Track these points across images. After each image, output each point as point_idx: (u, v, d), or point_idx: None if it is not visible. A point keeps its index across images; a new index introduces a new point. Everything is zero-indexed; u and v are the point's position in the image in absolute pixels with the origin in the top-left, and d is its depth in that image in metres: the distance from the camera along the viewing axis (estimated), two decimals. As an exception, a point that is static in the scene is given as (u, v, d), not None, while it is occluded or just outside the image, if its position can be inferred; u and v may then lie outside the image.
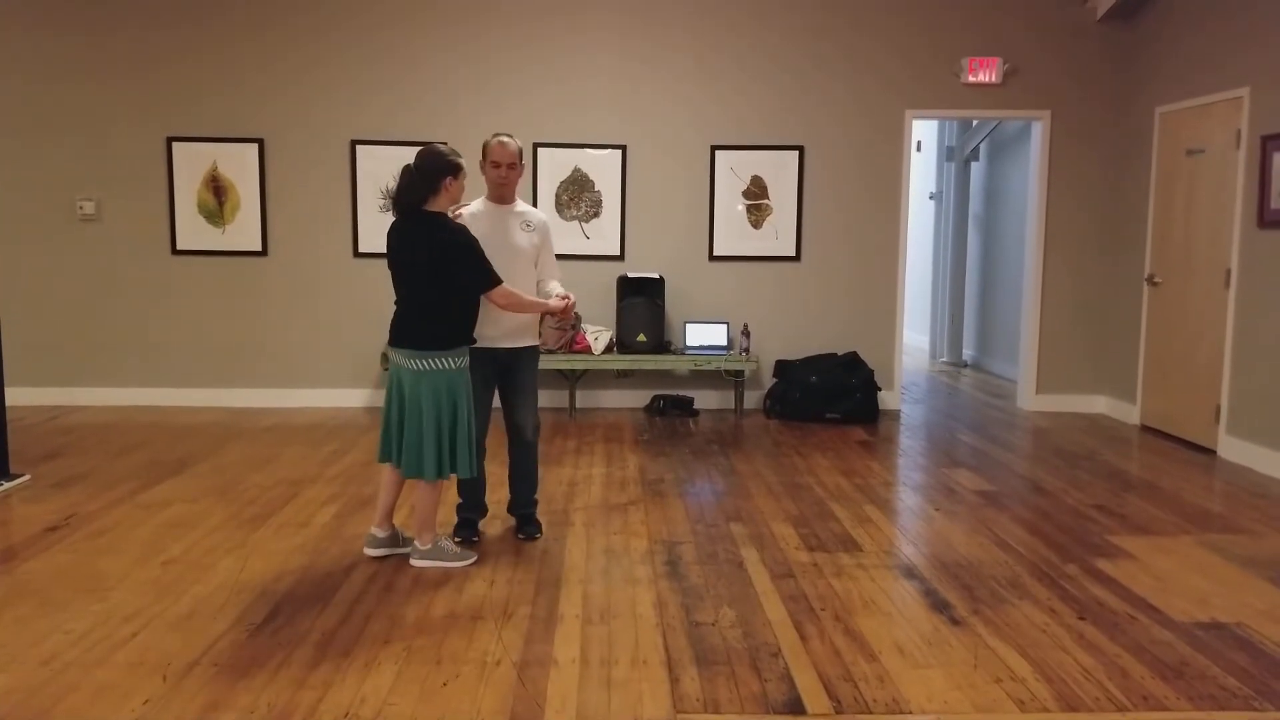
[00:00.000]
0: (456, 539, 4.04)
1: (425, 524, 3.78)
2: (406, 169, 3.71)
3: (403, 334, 3.72)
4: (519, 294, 3.81)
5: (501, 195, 4.03)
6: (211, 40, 6.89)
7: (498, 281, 3.71)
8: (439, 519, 3.90)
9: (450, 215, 3.85)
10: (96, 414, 6.72)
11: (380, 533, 3.89)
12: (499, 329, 3.96)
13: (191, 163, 6.94)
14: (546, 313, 4.03)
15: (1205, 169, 6.13)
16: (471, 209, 3.99)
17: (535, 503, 4.28)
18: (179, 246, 7.00)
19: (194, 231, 7.00)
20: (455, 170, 3.71)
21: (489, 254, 3.75)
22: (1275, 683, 2.90)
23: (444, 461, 3.70)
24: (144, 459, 5.46)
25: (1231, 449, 5.81)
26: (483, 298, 3.76)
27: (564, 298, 3.99)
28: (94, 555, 3.87)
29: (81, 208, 6.93)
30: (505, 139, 3.99)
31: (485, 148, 4.00)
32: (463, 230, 3.73)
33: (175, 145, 6.92)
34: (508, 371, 4.06)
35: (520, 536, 4.18)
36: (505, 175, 3.98)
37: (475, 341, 3.81)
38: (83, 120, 6.90)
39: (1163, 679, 2.92)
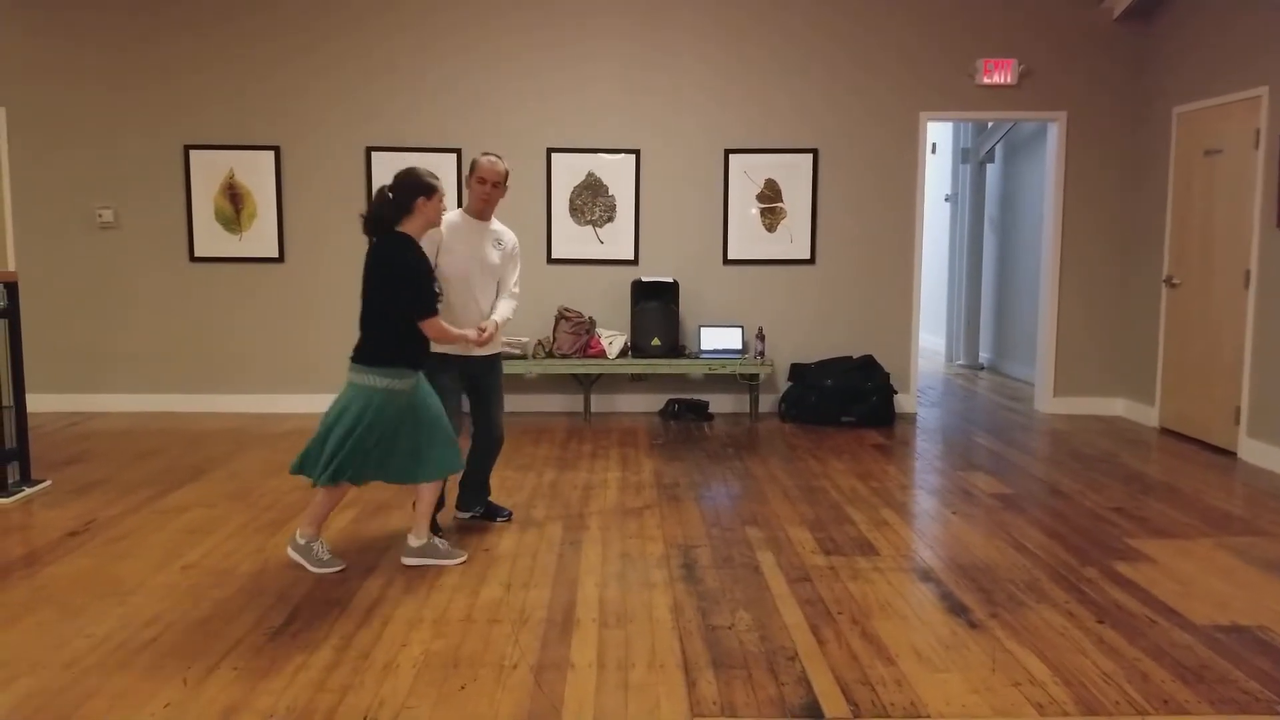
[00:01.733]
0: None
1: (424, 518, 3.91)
2: (381, 190, 3.73)
3: (355, 349, 3.79)
4: (445, 328, 3.82)
5: (481, 212, 4.17)
6: (228, 48, 6.95)
7: (430, 313, 3.73)
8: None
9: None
10: (116, 420, 6.78)
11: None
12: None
13: (208, 170, 7.00)
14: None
15: (1223, 169, 6.09)
16: (449, 219, 4.06)
17: (488, 494, 4.57)
18: (197, 253, 7.06)
19: (211, 238, 7.05)
20: (429, 191, 3.71)
21: (460, 265, 3.99)
22: (1298, 686, 2.88)
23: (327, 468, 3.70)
24: (162, 465, 5.50)
25: (1252, 451, 5.76)
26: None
27: (480, 329, 4.03)
28: (114, 560, 3.91)
29: (100, 215, 7.00)
30: (495, 159, 4.14)
31: (474, 164, 4.13)
32: (418, 258, 3.72)
33: (192, 153, 6.98)
34: (481, 378, 4.26)
35: (501, 519, 4.47)
36: (489, 193, 4.12)
37: (418, 368, 3.80)
38: (101, 128, 6.97)
39: (1183, 682, 2.90)
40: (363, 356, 3.76)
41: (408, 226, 3.72)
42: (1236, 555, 4.06)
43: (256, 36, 6.95)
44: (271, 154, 7.00)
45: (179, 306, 7.10)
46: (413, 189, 3.69)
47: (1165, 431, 6.65)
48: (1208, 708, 2.75)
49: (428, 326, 3.75)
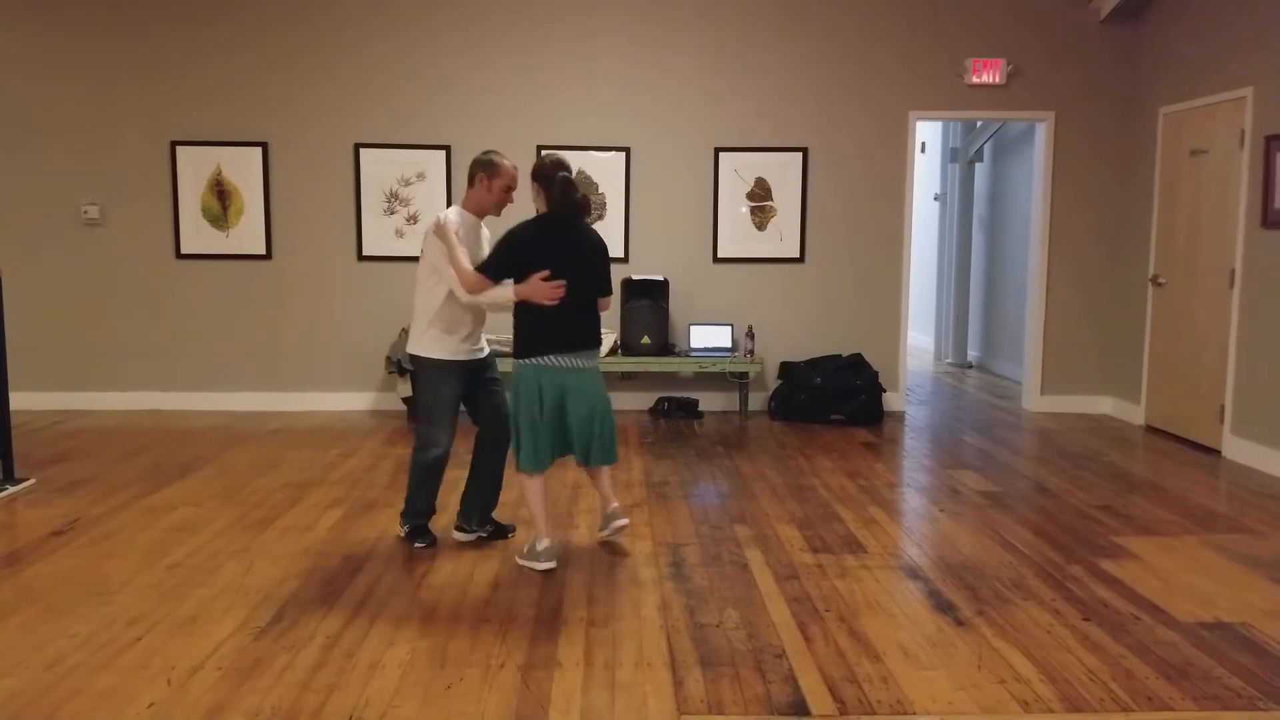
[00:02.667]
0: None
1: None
2: (568, 177, 3.82)
3: (593, 336, 3.93)
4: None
5: (493, 214, 4.09)
6: (215, 44, 6.91)
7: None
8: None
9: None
10: (101, 418, 6.74)
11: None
12: (478, 340, 4.12)
13: (195, 167, 6.97)
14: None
15: (1209, 169, 6.12)
16: (453, 218, 3.93)
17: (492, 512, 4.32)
18: (183, 250, 7.03)
19: (198, 235, 7.02)
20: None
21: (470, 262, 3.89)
22: (1278, 681, 2.90)
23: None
24: (149, 463, 5.48)
25: (1236, 449, 5.80)
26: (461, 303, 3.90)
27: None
28: (99, 559, 3.89)
29: (86, 212, 6.96)
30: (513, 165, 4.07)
31: (500, 169, 3.96)
32: None
33: (179, 149, 6.95)
34: (482, 373, 4.18)
35: (512, 534, 4.27)
36: (510, 200, 4.07)
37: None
38: (87, 124, 6.93)
39: (1167, 679, 2.91)
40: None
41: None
42: (1220, 552, 4.09)
43: (244, 32, 6.91)
44: (259, 150, 6.97)
45: (166, 304, 7.07)
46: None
47: (1151, 429, 6.68)
48: (1191, 704, 2.76)
49: (605, 304, 3.97)
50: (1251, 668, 2.99)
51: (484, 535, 4.19)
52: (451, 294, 3.88)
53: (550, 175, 3.82)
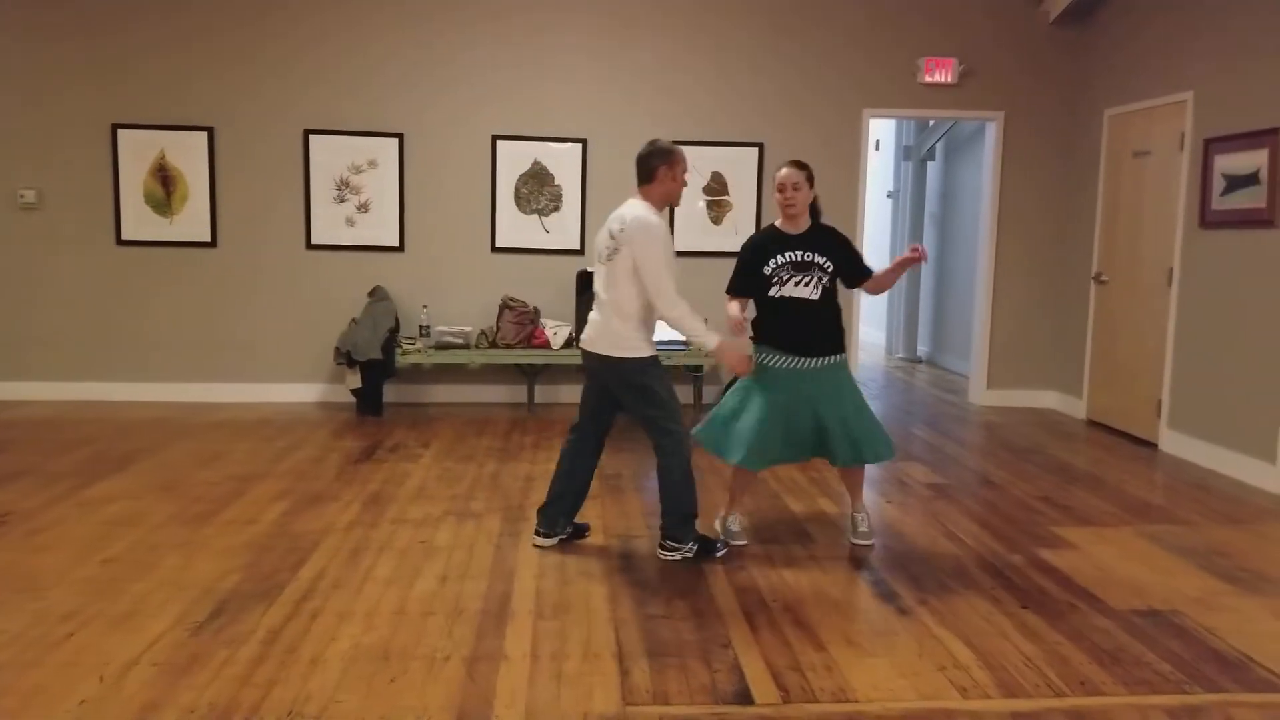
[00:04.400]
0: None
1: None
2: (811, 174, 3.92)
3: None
4: None
5: (676, 205, 4.06)
6: (160, 25, 6.75)
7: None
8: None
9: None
10: (38, 409, 6.56)
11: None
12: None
13: (138, 151, 6.80)
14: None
15: (1151, 170, 6.26)
16: (662, 223, 3.84)
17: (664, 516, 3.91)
18: (125, 236, 6.86)
19: (140, 221, 6.86)
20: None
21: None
22: (1205, 667, 2.98)
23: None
24: (87, 455, 5.35)
25: (1172, 442, 5.95)
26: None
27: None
28: (31, 554, 3.78)
29: (22, 196, 6.76)
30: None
31: (676, 155, 3.87)
32: None
33: (120, 132, 6.77)
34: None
35: (587, 533, 4.17)
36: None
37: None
38: (24, 105, 6.73)
39: (1100, 665, 2.98)
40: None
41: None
42: (1154, 542, 4.20)
43: (192, 14, 6.75)
44: (205, 135, 6.83)
45: (106, 291, 6.90)
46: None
47: (1092, 423, 6.83)
48: (1122, 689, 2.83)
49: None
50: (1181, 653, 3.08)
51: (563, 537, 4.04)
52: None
53: None
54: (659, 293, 3.72)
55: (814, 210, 4.05)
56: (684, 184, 3.92)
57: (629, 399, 3.86)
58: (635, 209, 3.81)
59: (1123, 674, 2.93)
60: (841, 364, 3.99)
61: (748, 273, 3.98)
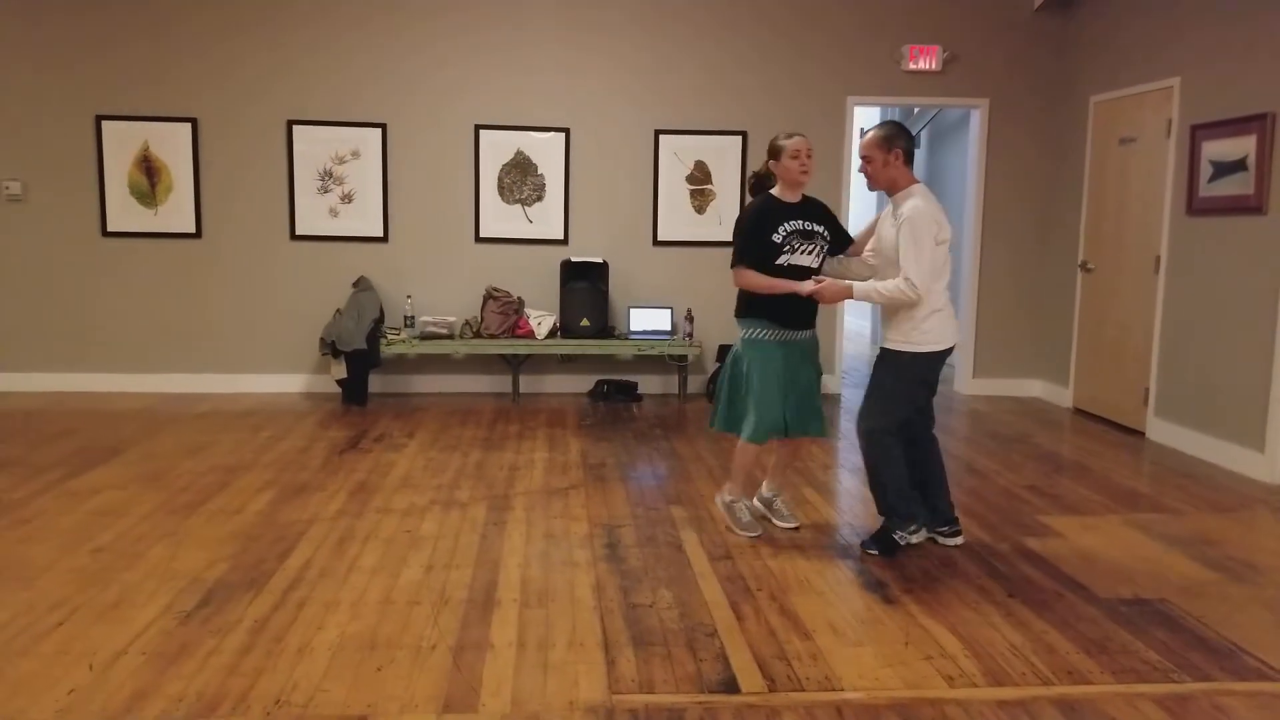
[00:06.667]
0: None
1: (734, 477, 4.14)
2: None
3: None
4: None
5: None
6: (144, 16, 6.68)
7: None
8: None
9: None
10: (24, 400, 6.52)
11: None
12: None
13: (122, 142, 6.74)
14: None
15: (1137, 157, 6.28)
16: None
17: (879, 506, 3.96)
18: (110, 228, 6.81)
19: (125, 213, 6.80)
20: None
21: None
22: (1193, 655, 3.00)
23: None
24: (73, 446, 5.31)
25: (1159, 431, 5.98)
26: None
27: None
28: (18, 544, 3.76)
29: (7, 188, 6.69)
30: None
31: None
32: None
33: (105, 124, 6.71)
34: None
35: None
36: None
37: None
38: (7, 98, 6.66)
39: (1086, 654, 3.00)
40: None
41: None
42: (1141, 531, 4.22)
43: (175, 5, 6.69)
44: (189, 126, 6.77)
45: (91, 282, 6.84)
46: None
47: (1079, 412, 6.87)
48: (1109, 678, 2.85)
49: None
50: (1167, 642, 3.10)
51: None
52: None
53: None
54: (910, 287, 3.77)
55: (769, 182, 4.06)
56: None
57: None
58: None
59: (1110, 663, 2.95)
60: (815, 335, 4.12)
61: (760, 238, 3.90)
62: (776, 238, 3.88)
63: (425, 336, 6.76)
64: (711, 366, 7.19)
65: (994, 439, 5.99)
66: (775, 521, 4.18)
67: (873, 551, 3.86)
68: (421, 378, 7.14)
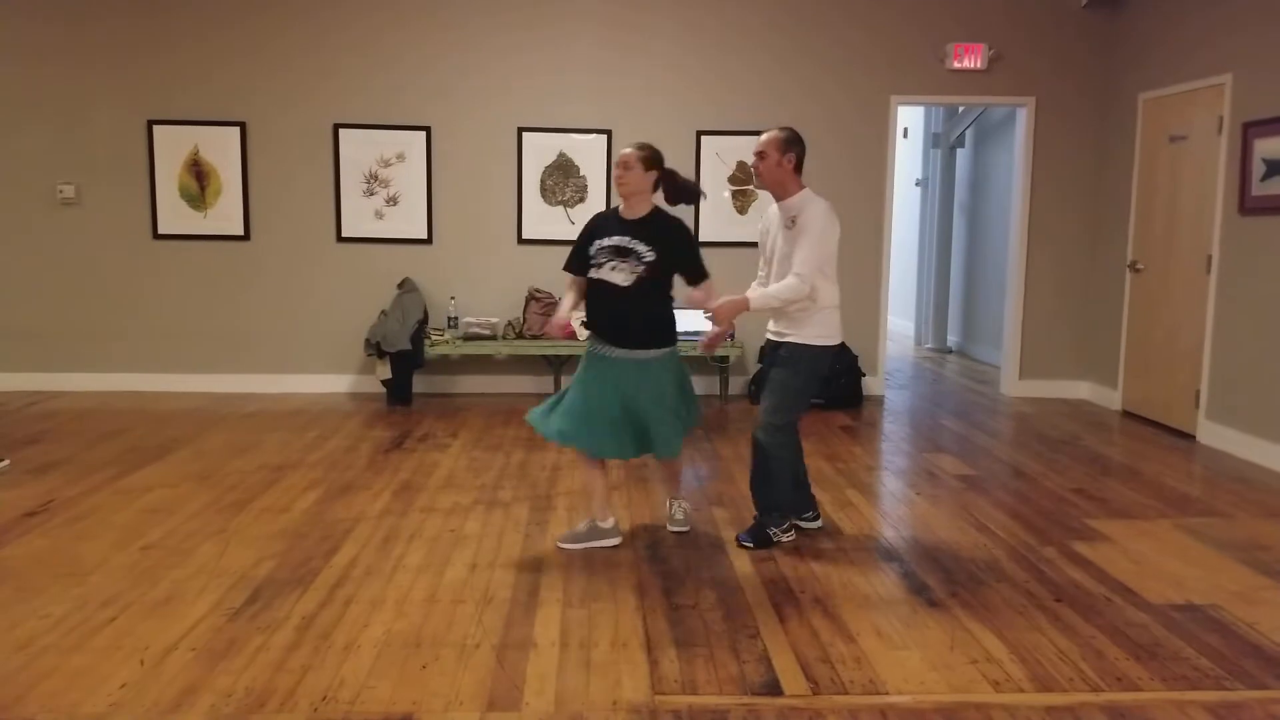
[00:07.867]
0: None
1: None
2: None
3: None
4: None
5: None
6: (193, 22, 6.82)
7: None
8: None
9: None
10: (77, 400, 6.68)
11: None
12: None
13: (172, 146, 6.88)
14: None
15: (1187, 155, 6.15)
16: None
17: (758, 506, 4.00)
18: (160, 231, 6.96)
19: (175, 216, 6.95)
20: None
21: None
22: (1246, 663, 2.94)
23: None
24: (124, 445, 5.43)
25: (1210, 434, 5.85)
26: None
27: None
28: (72, 540, 3.86)
29: (61, 192, 6.87)
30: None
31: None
32: None
33: (156, 128, 6.86)
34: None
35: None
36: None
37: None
38: (62, 103, 6.83)
39: (1136, 660, 2.95)
40: None
41: None
42: (1193, 535, 4.13)
43: (223, 11, 6.82)
44: (238, 130, 6.90)
45: (142, 284, 7.00)
46: None
47: (1127, 414, 6.74)
48: (1159, 684, 2.80)
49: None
50: (1220, 649, 3.03)
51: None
52: None
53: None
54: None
55: (677, 193, 3.94)
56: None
57: None
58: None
59: (1160, 669, 2.89)
60: (654, 361, 3.83)
61: (579, 249, 3.90)
62: (591, 249, 3.82)
63: (468, 337, 6.81)
64: (753, 367, 7.16)
65: (1041, 441, 5.90)
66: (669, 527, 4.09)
67: (748, 545, 3.87)
68: (464, 378, 7.20)
